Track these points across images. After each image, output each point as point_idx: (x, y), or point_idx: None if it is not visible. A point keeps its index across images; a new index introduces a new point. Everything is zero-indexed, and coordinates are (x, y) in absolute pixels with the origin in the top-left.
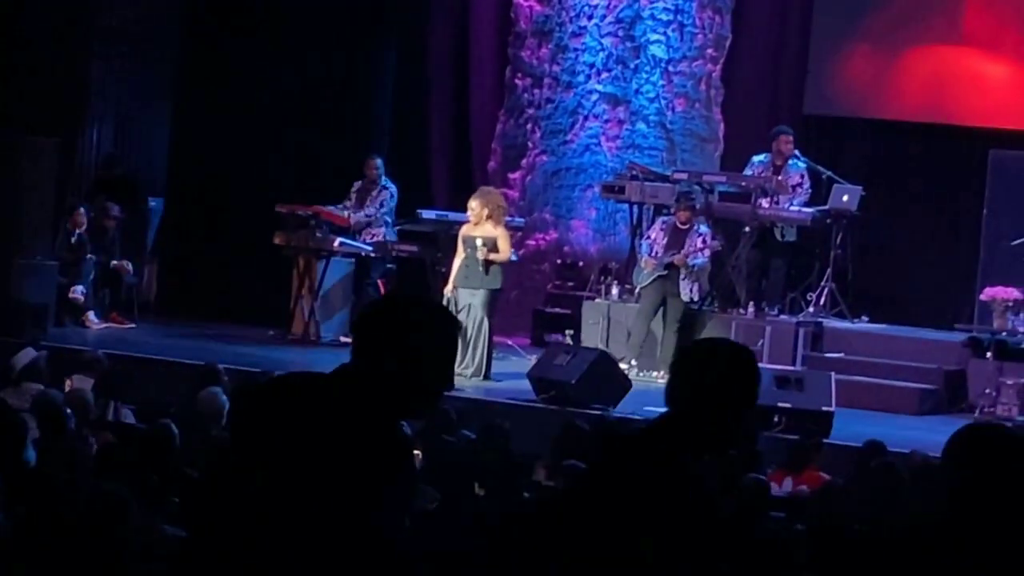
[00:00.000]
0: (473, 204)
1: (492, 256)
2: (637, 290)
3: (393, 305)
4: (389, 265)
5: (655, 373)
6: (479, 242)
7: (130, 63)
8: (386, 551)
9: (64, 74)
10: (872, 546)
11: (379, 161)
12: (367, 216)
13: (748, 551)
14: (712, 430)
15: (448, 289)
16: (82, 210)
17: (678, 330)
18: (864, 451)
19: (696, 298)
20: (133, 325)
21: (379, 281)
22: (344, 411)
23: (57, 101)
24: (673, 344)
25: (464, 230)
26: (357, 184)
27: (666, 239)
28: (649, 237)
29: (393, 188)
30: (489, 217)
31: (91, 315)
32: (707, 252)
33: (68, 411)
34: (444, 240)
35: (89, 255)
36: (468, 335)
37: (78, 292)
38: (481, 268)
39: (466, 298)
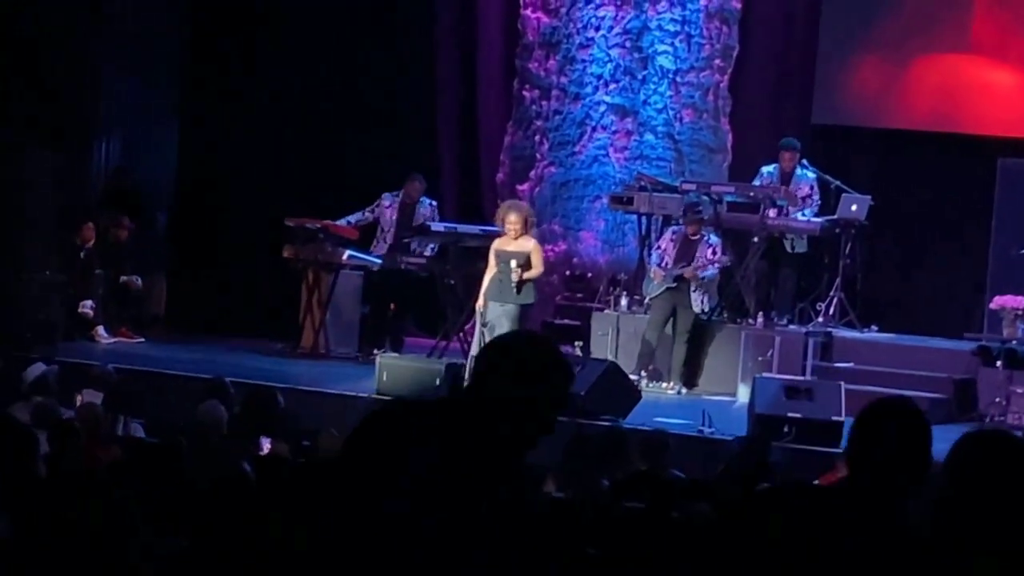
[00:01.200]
0: (512, 217)
1: (527, 275)
2: (647, 300)
3: (516, 338)
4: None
5: (665, 384)
6: (514, 263)
7: (138, 76)
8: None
9: (72, 88)
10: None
11: (422, 183)
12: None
13: None
14: (893, 495)
15: (479, 304)
16: (91, 225)
17: (687, 340)
18: None
19: (706, 309)
20: (142, 339)
21: (390, 303)
22: (456, 438)
23: (65, 116)
24: (683, 355)
25: (498, 244)
26: (388, 198)
27: (676, 250)
28: (659, 247)
29: (435, 203)
30: (525, 231)
31: (100, 329)
32: (717, 264)
33: (77, 425)
34: (453, 252)
35: (98, 269)
36: None
37: (87, 307)
38: (515, 284)
39: (495, 311)
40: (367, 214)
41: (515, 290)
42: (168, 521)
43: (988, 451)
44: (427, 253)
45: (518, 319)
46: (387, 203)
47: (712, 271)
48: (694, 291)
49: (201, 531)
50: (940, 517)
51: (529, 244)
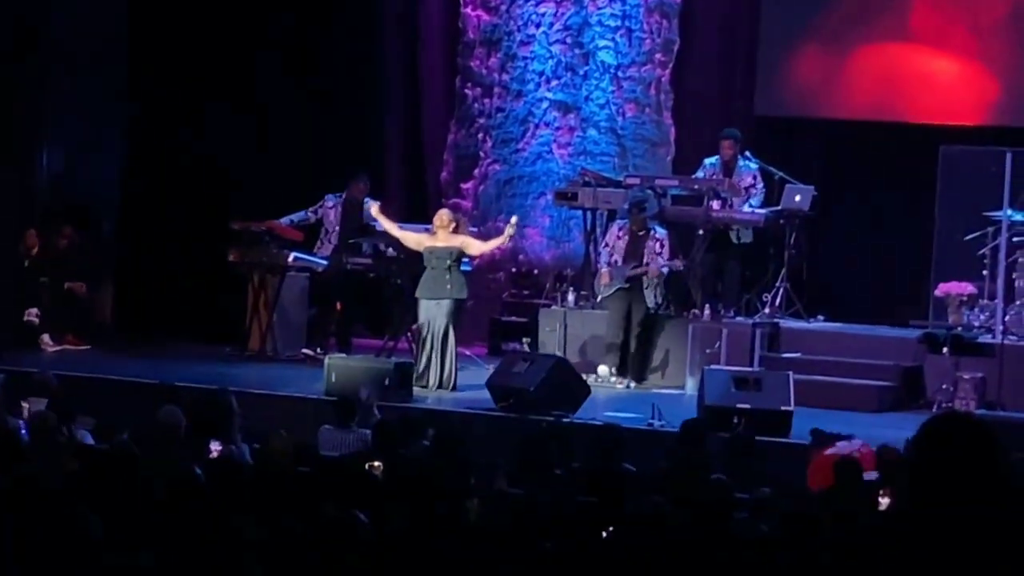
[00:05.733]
0: (441, 213)
1: (472, 251)
2: (600, 300)
3: None
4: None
5: (614, 378)
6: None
7: (82, 84)
8: None
9: (14, 96)
10: (838, 540)
11: (367, 183)
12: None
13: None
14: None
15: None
16: (34, 232)
17: (639, 335)
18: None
19: (659, 302)
20: (89, 347)
21: (337, 303)
22: None
23: (7, 124)
24: (634, 349)
25: (427, 243)
26: (331, 199)
27: (625, 245)
28: (607, 244)
29: (379, 204)
30: (455, 229)
31: (46, 337)
32: (666, 255)
33: (25, 434)
34: (400, 252)
35: (43, 277)
36: (432, 346)
37: (32, 314)
38: (447, 277)
39: (430, 309)
40: (310, 214)
41: (448, 282)
42: (128, 530)
43: (953, 434)
44: (367, 252)
45: (454, 314)
46: (330, 204)
47: (665, 263)
48: (647, 288)
49: (158, 538)
50: (908, 502)
51: (456, 240)
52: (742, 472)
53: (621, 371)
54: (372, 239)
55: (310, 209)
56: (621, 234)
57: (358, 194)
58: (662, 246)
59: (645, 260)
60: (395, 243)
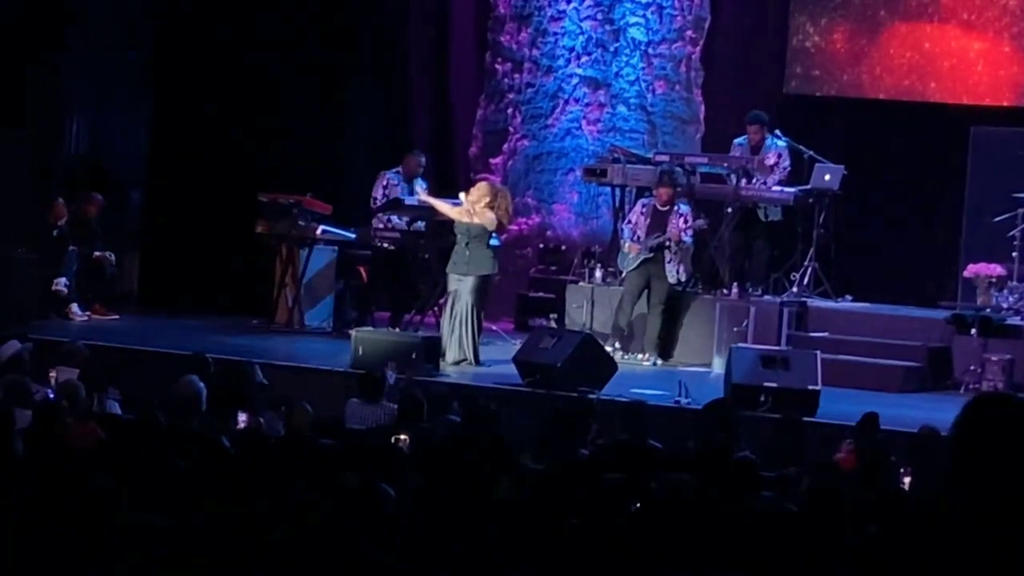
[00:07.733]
0: (471, 190)
1: (490, 228)
2: (624, 273)
3: None
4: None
5: (640, 356)
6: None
7: (108, 52)
8: None
9: (40, 65)
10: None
11: (416, 157)
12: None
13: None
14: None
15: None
16: (62, 201)
17: (662, 312)
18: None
19: (683, 279)
20: (116, 316)
21: (360, 268)
22: None
23: (34, 92)
24: (658, 326)
25: (458, 217)
26: (394, 178)
27: (648, 222)
28: (630, 221)
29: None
30: (488, 205)
31: (74, 307)
32: (690, 232)
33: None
34: (428, 227)
35: (71, 247)
36: (451, 320)
37: (61, 284)
38: (466, 254)
39: (453, 284)
40: (380, 195)
41: (469, 257)
42: (150, 497)
43: (996, 416)
44: (394, 226)
45: (476, 290)
46: (395, 182)
47: (689, 235)
48: (668, 262)
49: (184, 507)
50: (952, 485)
51: (476, 219)
52: (782, 452)
53: (625, 348)
54: (400, 212)
55: (380, 194)
56: (644, 211)
57: (416, 169)
58: (685, 222)
59: (675, 231)
60: (426, 217)
